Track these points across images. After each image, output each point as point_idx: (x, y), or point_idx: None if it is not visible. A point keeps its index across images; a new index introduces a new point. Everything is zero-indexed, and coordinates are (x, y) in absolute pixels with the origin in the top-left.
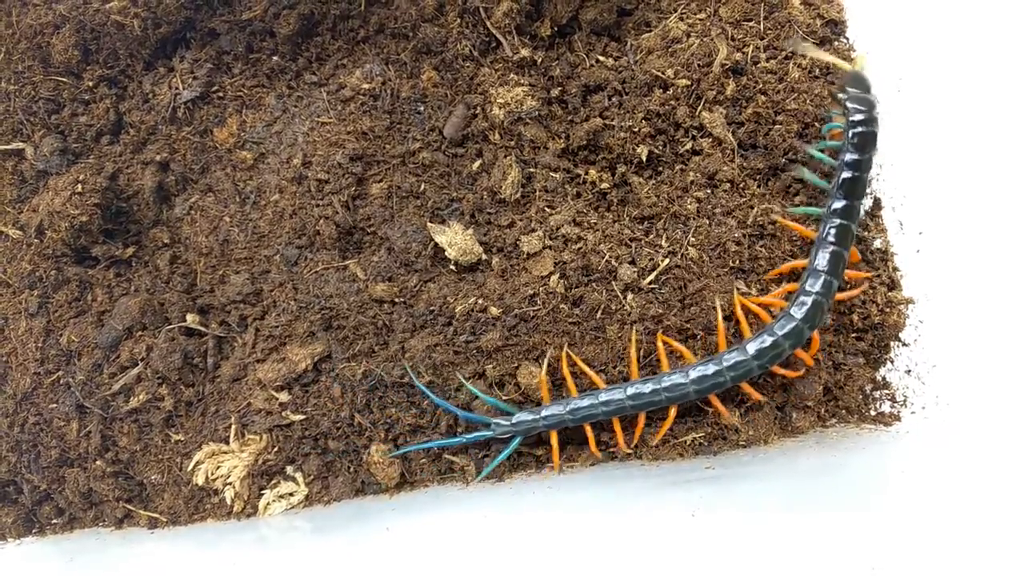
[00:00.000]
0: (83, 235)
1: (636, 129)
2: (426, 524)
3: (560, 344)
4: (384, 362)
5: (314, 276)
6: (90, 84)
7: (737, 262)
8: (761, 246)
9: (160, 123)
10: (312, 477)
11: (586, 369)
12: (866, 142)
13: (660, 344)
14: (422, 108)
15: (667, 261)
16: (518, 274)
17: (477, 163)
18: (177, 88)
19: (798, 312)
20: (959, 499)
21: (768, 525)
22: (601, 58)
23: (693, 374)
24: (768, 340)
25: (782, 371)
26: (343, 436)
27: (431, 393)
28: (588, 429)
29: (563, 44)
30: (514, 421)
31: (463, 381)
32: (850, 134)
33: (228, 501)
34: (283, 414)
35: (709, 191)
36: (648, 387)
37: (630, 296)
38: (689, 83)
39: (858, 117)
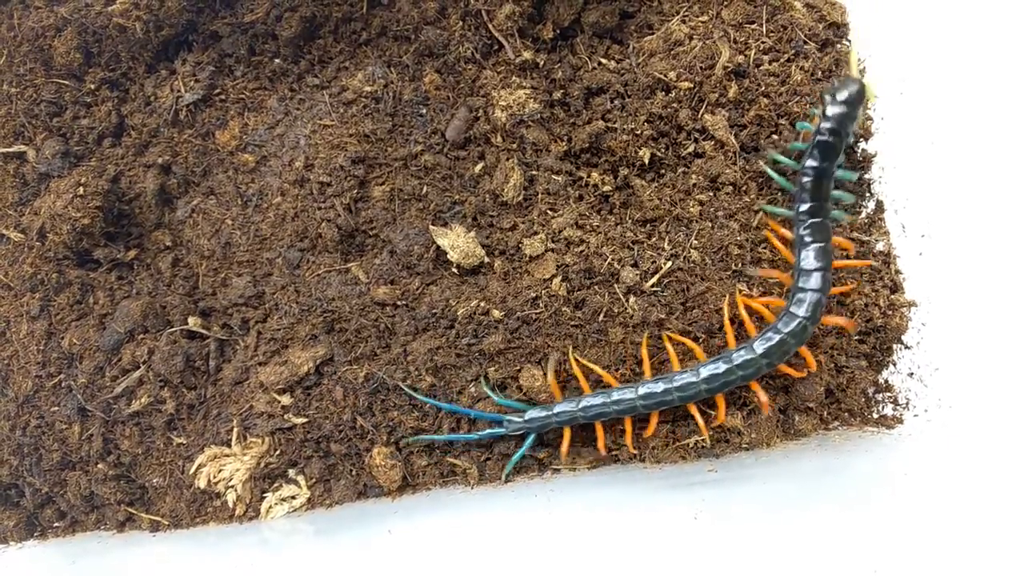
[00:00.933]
0: (85, 238)
1: (638, 132)
2: (428, 527)
3: (563, 347)
4: (386, 365)
5: (316, 279)
6: (92, 87)
7: (739, 265)
8: (763, 248)
9: (162, 126)
10: (314, 480)
11: (597, 370)
12: (827, 152)
13: (668, 344)
14: (424, 111)
15: (669, 264)
16: (520, 277)
17: (479, 166)
18: (179, 91)
19: (799, 309)
20: (962, 502)
21: (770, 527)
22: (603, 61)
23: (704, 372)
24: (775, 338)
25: (787, 369)
26: (345, 439)
27: (438, 402)
28: (599, 427)
29: (565, 47)
30: (527, 418)
31: (488, 391)
32: (815, 139)
33: (230, 504)
34: (285, 417)
35: (711, 194)
36: (660, 386)
37: (632, 299)
38: (691, 86)
39: (826, 125)
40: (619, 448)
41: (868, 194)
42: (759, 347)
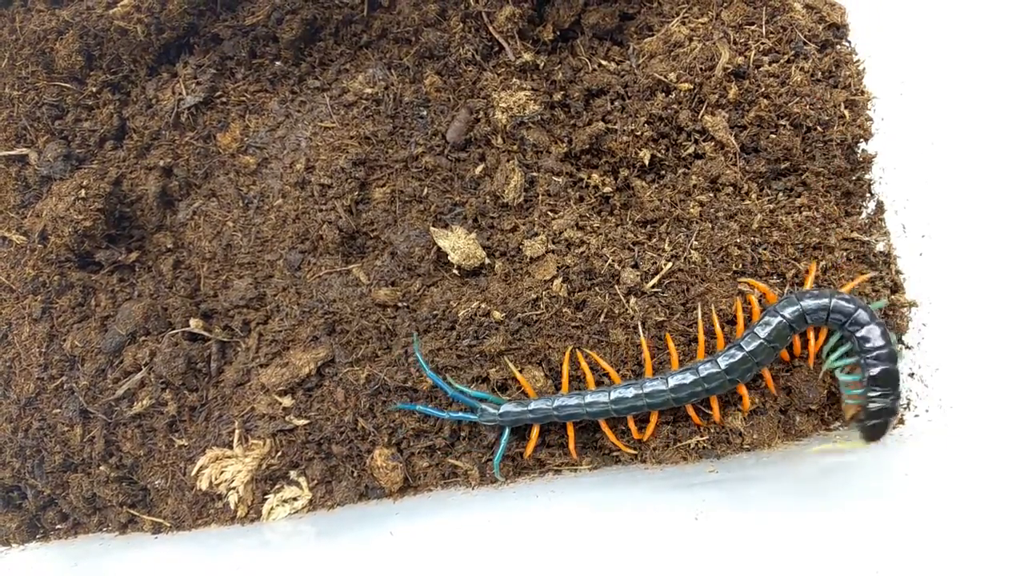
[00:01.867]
0: (86, 240)
1: (638, 133)
2: (429, 528)
3: (562, 348)
4: (387, 366)
5: (317, 281)
6: (93, 89)
7: (739, 266)
8: (764, 250)
9: (163, 128)
10: (316, 481)
11: (602, 363)
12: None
13: (671, 343)
14: (425, 113)
15: (670, 265)
16: (521, 278)
17: (480, 167)
18: (180, 93)
19: (762, 332)
20: (963, 502)
21: (771, 528)
22: (603, 62)
23: (672, 382)
24: (738, 355)
25: (769, 379)
26: (346, 440)
27: (428, 369)
28: (570, 428)
29: (565, 48)
30: (501, 411)
31: (446, 381)
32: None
33: (232, 506)
34: (287, 419)
35: (711, 195)
36: (631, 392)
37: (633, 300)
38: (691, 87)
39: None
40: (618, 450)
41: (868, 195)
42: (722, 362)
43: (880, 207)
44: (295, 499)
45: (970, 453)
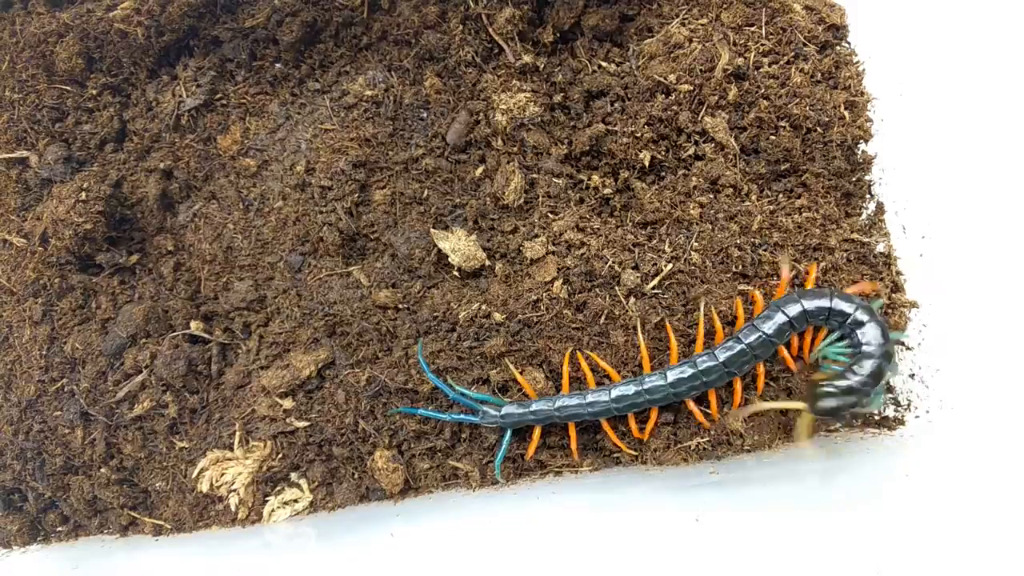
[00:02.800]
0: (87, 243)
1: (639, 134)
2: (430, 530)
3: (563, 350)
4: (388, 368)
5: (318, 283)
6: (94, 92)
7: (740, 267)
8: (764, 251)
9: (164, 131)
10: (316, 483)
11: (602, 364)
12: None
13: (671, 333)
14: (425, 114)
15: (670, 266)
16: (521, 280)
17: (480, 169)
18: (181, 96)
19: (762, 325)
20: (963, 503)
21: (772, 529)
22: (603, 64)
23: (671, 376)
24: (736, 347)
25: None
26: (347, 442)
27: (430, 371)
28: (572, 429)
29: (565, 50)
30: (503, 413)
31: (447, 384)
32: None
33: (233, 508)
34: (287, 421)
35: (712, 196)
36: (631, 389)
37: (633, 301)
38: (691, 88)
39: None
40: (620, 451)
41: (869, 196)
42: (720, 354)
43: (880, 208)
44: (296, 501)
45: (971, 454)
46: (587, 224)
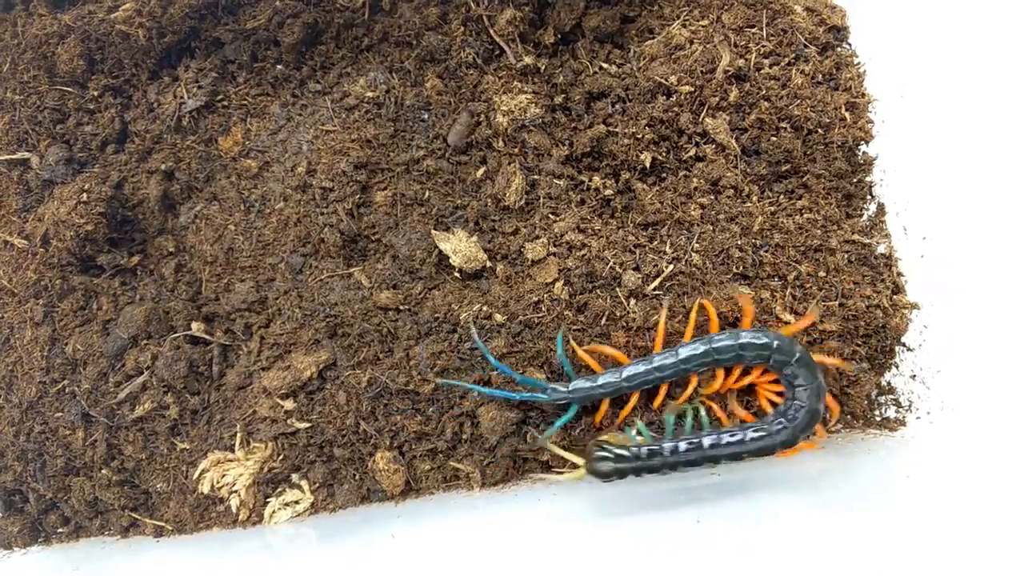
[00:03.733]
0: (88, 244)
1: (639, 136)
2: (431, 531)
3: (565, 350)
4: (389, 369)
5: (319, 284)
6: (95, 94)
7: (741, 268)
8: (765, 252)
9: (165, 132)
10: (317, 485)
11: (608, 350)
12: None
13: (710, 307)
14: (426, 116)
15: (671, 267)
16: (522, 281)
17: (481, 170)
18: (182, 97)
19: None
20: (965, 504)
21: (773, 530)
22: (604, 65)
23: (744, 338)
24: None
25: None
26: (348, 444)
27: (492, 358)
28: (635, 396)
29: (566, 51)
30: (571, 388)
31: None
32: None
33: (234, 509)
34: (288, 422)
35: (712, 197)
36: (700, 348)
37: (634, 302)
38: (692, 89)
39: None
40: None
41: (870, 197)
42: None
43: (881, 209)
44: (297, 502)
45: (971, 455)
46: (588, 225)
